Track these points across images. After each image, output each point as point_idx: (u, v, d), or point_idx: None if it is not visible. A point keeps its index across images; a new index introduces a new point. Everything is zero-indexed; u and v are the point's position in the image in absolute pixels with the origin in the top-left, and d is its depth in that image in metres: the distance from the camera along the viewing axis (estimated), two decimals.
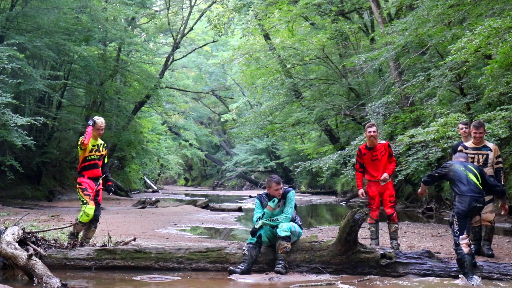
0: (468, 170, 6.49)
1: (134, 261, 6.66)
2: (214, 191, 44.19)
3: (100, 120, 7.95)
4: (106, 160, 8.15)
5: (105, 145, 8.24)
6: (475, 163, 7.68)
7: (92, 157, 7.89)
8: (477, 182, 6.38)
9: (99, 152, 7.96)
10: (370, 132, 8.16)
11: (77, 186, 7.84)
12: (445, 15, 13.48)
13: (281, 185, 6.82)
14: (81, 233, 7.87)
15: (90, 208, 7.64)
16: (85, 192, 7.72)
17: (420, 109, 14.51)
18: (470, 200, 6.22)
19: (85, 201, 7.68)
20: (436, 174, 6.79)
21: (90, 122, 7.88)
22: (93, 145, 7.91)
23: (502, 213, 6.98)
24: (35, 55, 20.22)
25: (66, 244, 6.92)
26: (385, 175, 8.08)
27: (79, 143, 7.86)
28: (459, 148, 7.85)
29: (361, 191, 8.26)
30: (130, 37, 25.51)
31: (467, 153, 7.60)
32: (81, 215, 7.65)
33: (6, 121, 15.55)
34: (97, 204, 7.81)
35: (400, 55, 16.34)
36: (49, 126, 22.13)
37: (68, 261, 6.63)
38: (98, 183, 7.87)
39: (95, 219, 7.75)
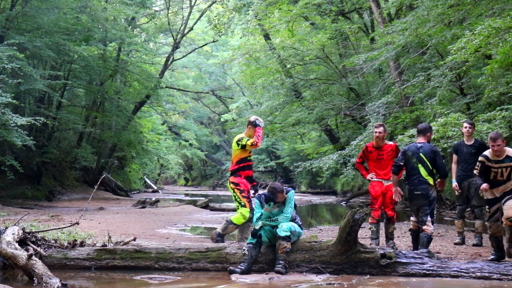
0: (420, 161, 7.32)
1: (134, 261, 6.66)
2: (214, 191, 44.13)
3: (257, 118, 7.92)
4: None
5: None
6: (499, 177, 6.92)
7: (250, 157, 7.84)
8: (425, 172, 7.29)
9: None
10: (376, 132, 8.11)
11: (233, 186, 7.70)
12: (445, 15, 13.47)
13: (283, 190, 6.82)
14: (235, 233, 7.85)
15: (247, 211, 7.61)
16: (243, 194, 7.65)
17: (420, 109, 14.50)
18: (410, 189, 7.39)
19: (242, 203, 7.63)
20: (400, 163, 7.48)
21: (260, 123, 7.83)
22: None
23: (439, 188, 7.61)
24: (35, 55, 20.20)
25: (66, 244, 6.92)
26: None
27: (246, 142, 7.68)
28: (480, 159, 7.00)
29: (370, 175, 8.17)
30: (130, 37, 25.49)
31: (489, 166, 6.92)
32: (237, 217, 7.60)
33: (6, 121, 15.54)
34: (250, 202, 7.76)
35: (400, 55, 16.33)
36: (49, 126, 22.11)
37: (68, 261, 6.63)
38: (251, 182, 7.82)
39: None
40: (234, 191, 7.72)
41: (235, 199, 7.74)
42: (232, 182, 7.75)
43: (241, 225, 7.79)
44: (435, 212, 7.46)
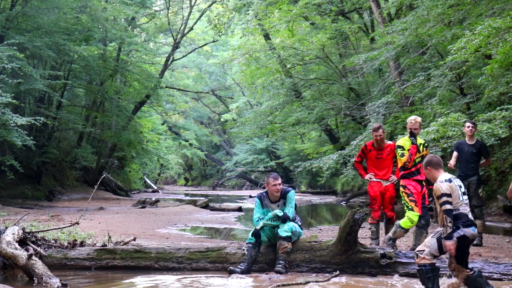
0: None
1: (134, 261, 6.66)
2: (214, 191, 44.18)
3: (411, 119, 7.54)
4: None
5: (426, 144, 7.73)
6: None
7: (412, 164, 7.49)
8: None
9: (419, 153, 7.49)
10: (376, 136, 8.00)
11: (402, 189, 7.42)
12: (445, 15, 13.48)
13: (279, 181, 6.75)
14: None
15: (415, 215, 7.27)
16: (410, 198, 7.34)
17: (420, 109, 14.50)
18: None
19: (410, 207, 7.32)
20: None
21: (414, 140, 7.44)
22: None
23: None
24: (35, 55, 20.22)
25: (66, 244, 6.92)
26: (393, 178, 8.04)
27: (402, 159, 7.41)
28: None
29: (369, 175, 8.07)
30: (130, 37, 25.52)
31: None
32: (404, 221, 7.30)
33: (6, 121, 15.54)
34: (425, 208, 7.44)
35: (400, 55, 16.33)
36: (49, 126, 22.13)
37: (68, 261, 6.62)
38: (423, 186, 7.49)
39: (426, 224, 7.38)
40: (402, 195, 7.46)
41: (403, 202, 7.48)
42: (402, 185, 7.50)
43: (415, 233, 7.55)
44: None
